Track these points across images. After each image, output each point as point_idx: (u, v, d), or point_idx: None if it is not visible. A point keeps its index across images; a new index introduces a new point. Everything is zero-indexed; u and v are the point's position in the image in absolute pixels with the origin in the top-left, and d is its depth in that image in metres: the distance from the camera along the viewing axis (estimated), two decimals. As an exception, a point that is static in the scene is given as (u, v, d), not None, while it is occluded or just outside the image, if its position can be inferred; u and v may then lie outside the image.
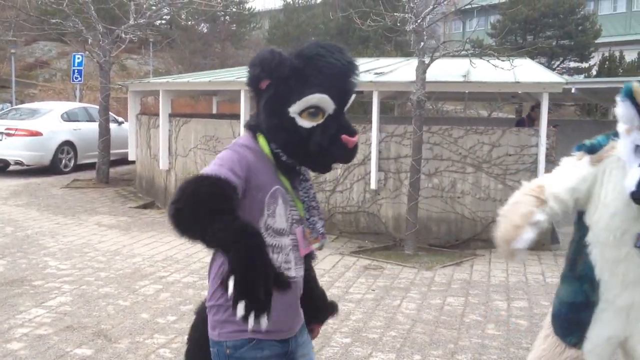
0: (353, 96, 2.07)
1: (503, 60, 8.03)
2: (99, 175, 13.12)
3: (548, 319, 2.77)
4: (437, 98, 18.77)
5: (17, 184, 12.71)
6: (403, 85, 8.93)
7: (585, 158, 2.58)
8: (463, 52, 8.52)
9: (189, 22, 27.03)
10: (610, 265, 2.54)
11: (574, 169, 2.58)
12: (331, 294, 6.14)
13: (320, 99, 1.93)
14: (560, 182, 2.56)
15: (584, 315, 2.62)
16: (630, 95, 2.31)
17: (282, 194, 2.02)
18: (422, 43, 7.84)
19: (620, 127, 2.47)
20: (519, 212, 2.45)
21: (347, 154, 2.02)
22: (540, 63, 23.65)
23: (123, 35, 12.86)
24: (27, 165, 14.13)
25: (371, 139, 8.67)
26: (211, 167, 1.89)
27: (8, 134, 13.87)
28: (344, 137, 1.97)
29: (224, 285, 1.83)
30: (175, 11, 17.10)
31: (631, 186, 2.33)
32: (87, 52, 14.23)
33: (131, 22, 12.82)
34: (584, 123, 21.87)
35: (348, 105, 2.05)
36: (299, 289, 2.13)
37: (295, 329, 2.13)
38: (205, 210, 1.71)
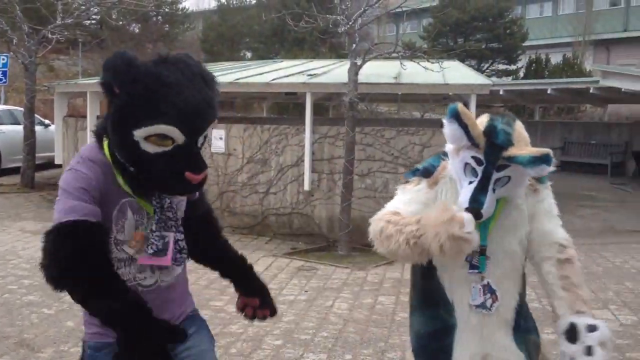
0: (209, 129, 1.94)
1: (433, 63, 8.18)
2: (23, 179, 12.69)
3: (408, 356, 2.70)
4: (371, 99, 18.99)
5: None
6: (336, 87, 8.99)
7: (422, 182, 2.51)
8: (394, 55, 8.62)
9: (120, 22, 26.44)
10: (457, 285, 2.47)
11: (414, 199, 2.48)
12: (264, 296, 6.12)
13: (168, 130, 1.80)
14: (407, 209, 2.43)
15: (447, 340, 2.50)
16: (456, 116, 2.28)
17: (131, 205, 1.94)
18: (354, 45, 7.91)
19: (449, 147, 2.46)
20: (436, 213, 2.27)
21: (188, 189, 1.93)
22: (471, 65, 24.22)
23: (50, 36, 12.48)
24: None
25: (305, 140, 8.69)
26: (61, 205, 1.82)
27: None
28: (188, 174, 1.85)
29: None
30: (104, 11, 16.72)
31: (464, 202, 2.31)
32: (11, 53, 13.75)
33: (58, 21, 12.46)
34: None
35: (202, 137, 1.92)
36: (169, 292, 2.09)
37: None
38: (80, 276, 1.74)
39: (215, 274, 6.57)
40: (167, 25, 31.19)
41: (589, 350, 2.25)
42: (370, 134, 8.61)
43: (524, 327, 2.55)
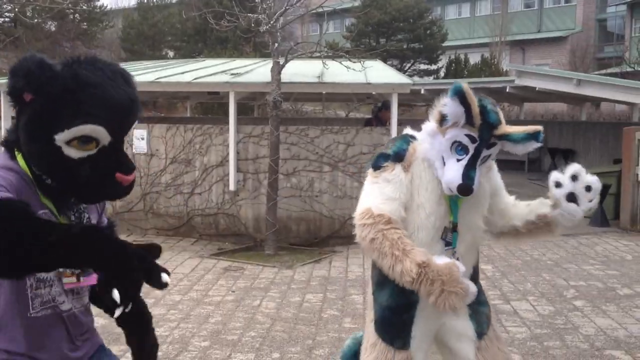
0: (135, 124, 1.88)
1: (355, 62, 8.29)
2: None
3: (371, 327, 2.74)
4: (296, 99, 19.03)
5: None
6: (259, 86, 8.97)
7: (397, 167, 2.57)
8: (317, 54, 8.69)
9: (35, 20, 25.50)
10: None
11: (391, 184, 2.55)
12: (190, 297, 6.07)
13: (94, 130, 1.70)
14: (387, 204, 2.53)
15: (408, 316, 2.66)
16: (461, 95, 2.42)
17: (49, 218, 1.78)
18: (276, 44, 7.92)
19: (426, 128, 2.61)
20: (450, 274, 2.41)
21: (119, 191, 1.81)
22: (393, 65, 24.66)
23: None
24: None
25: (229, 140, 8.63)
26: None
27: None
28: (119, 175, 1.75)
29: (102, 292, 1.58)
30: (18, 8, 16.08)
31: (455, 179, 2.45)
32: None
33: (-33, 18, 11.90)
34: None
35: (126, 135, 1.85)
36: (85, 318, 1.97)
37: (82, 358, 1.97)
38: (27, 238, 1.45)
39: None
40: (85, 23, 30.27)
41: (571, 197, 2.67)
42: (295, 133, 8.64)
43: (476, 300, 2.68)
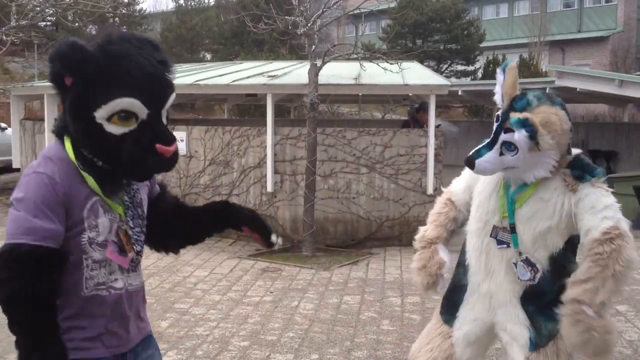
0: (171, 98, 1.88)
1: (392, 64, 8.27)
2: (-20, 184, 12.41)
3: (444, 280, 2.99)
4: (332, 101, 19.06)
5: None
6: (296, 88, 9.01)
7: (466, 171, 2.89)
8: (354, 56, 8.69)
9: (76, 24, 26.00)
10: (474, 253, 2.79)
11: (465, 174, 2.93)
12: (229, 297, 6.13)
13: (130, 103, 1.74)
14: (459, 185, 2.97)
15: (457, 297, 2.89)
16: (503, 69, 2.61)
17: (102, 205, 1.85)
18: (313, 46, 7.94)
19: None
20: (432, 261, 2.85)
21: (163, 165, 1.84)
22: (430, 66, 24.50)
23: (4, 38, 12.21)
24: None
25: (266, 141, 8.69)
26: (18, 221, 1.71)
27: None
28: (159, 146, 1.79)
29: None
30: (60, 12, 16.41)
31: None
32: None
33: (12, 23, 12.20)
34: (471, 124, 22.89)
35: (165, 108, 1.87)
36: (135, 299, 2.01)
37: (133, 341, 2.01)
38: (22, 312, 1.70)
39: (180, 277, 6.55)
40: (125, 27, 30.75)
41: None
42: (332, 135, 8.65)
43: (543, 312, 2.66)
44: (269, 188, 8.74)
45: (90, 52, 1.74)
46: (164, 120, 1.88)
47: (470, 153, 2.57)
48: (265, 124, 8.79)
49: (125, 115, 1.75)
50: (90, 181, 1.83)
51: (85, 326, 1.86)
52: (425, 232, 2.92)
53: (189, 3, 34.61)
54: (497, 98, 2.60)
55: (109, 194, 1.88)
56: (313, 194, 7.98)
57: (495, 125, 2.56)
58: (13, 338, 1.78)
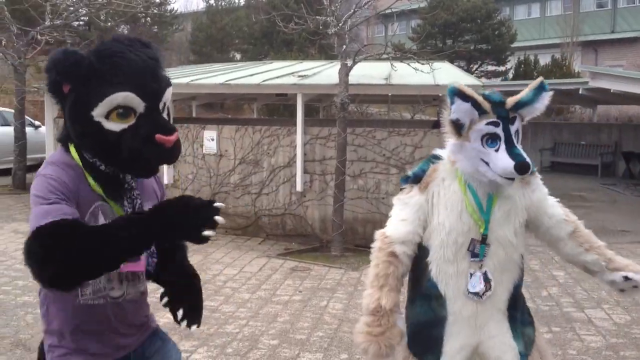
0: (168, 92, 1.90)
1: (423, 64, 8.23)
2: (15, 181, 12.64)
3: (404, 342, 2.65)
4: (361, 101, 19.03)
5: None
6: (326, 88, 9.02)
7: (414, 189, 2.63)
8: (385, 56, 8.66)
9: (109, 24, 26.33)
10: (452, 279, 2.57)
11: (408, 206, 2.62)
12: (258, 296, 6.15)
13: (125, 97, 1.77)
14: (401, 226, 2.61)
15: (437, 331, 2.61)
16: (460, 94, 2.40)
17: (104, 210, 1.88)
18: (344, 46, 7.94)
19: (451, 144, 2.55)
20: (392, 332, 2.49)
21: (164, 155, 1.84)
22: (460, 66, 24.30)
23: (38, 37, 12.42)
24: None
25: (296, 141, 8.71)
26: (35, 212, 1.72)
27: None
28: (159, 136, 1.79)
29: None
30: (93, 12, 16.65)
31: (508, 164, 2.39)
32: (0, 54, 13.68)
33: (47, 23, 12.40)
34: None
35: (163, 101, 1.88)
36: (134, 306, 2.04)
37: (133, 344, 2.04)
38: (86, 249, 1.61)
39: (209, 275, 6.59)
40: (156, 27, 31.06)
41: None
42: (362, 135, 8.64)
43: (520, 320, 2.66)
44: (299, 187, 8.76)
45: (82, 56, 1.79)
46: (165, 116, 1.89)
47: (515, 160, 2.39)
48: (295, 124, 8.82)
49: (123, 112, 1.78)
50: (94, 184, 1.86)
51: (73, 339, 1.90)
52: (379, 300, 2.50)
53: (220, 3, 34.81)
54: (471, 116, 2.45)
55: (111, 198, 1.90)
56: (342, 194, 7.97)
57: (499, 129, 2.44)
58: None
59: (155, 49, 1.91)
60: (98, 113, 1.77)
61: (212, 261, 7.54)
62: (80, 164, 1.86)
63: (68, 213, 1.70)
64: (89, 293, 1.89)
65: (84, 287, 1.86)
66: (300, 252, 8.23)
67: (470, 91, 2.41)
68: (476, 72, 29.75)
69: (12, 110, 13.52)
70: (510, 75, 28.51)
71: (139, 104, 1.79)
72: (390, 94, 13.28)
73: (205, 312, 5.70)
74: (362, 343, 2.47)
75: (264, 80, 9.44)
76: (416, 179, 2.63)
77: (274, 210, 9.01)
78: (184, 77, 10.44)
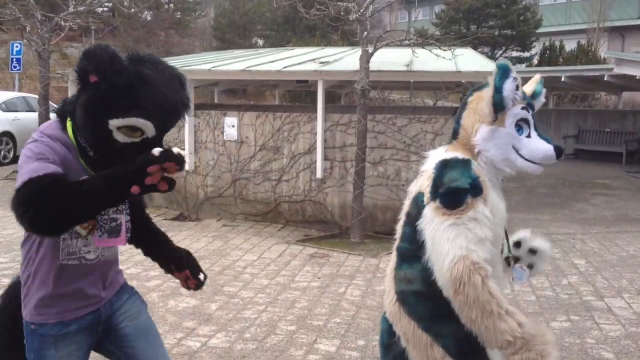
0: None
1: (445, 50, 8.16)
2: (39, 166, 12.80)
3: None
4: (383, 87, 18.94)
5: (-48, 177, 12.31)
6: (347, 75, 8.99)
7: (479, 203, 2.24)
8: (406, 42, 8.59)
9: (132, 10, 26.46)
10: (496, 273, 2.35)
11: (480, 224, 2.22)
12: (277, 282, 6.19)
13: (145, 124, 1.94)
14: (483, 247, 2.21)
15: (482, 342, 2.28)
16: (510, 69, 2.34)
17: None
18: (365, 32, 7.90)
19: (481, 134, 2.40)
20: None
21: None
22: (484, 53, 24.08)
23: (62, 23, 12.52)
24: (-37, 157, 13.69)
25: (316, 128, 8.71)
26: (25, 168, 1.87)
27: (-58, 125, 13.40)
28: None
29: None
30: (117, -2, 16.77)
31: (548, 148, 2.37)
32: (25, 41, 13.82)
33: (70, 9, 12.49)
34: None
35: (167, 132, 2.10)
36: (107, 265, 2.25)
37: (105, 298, 2.25)
38: (66, 197, 1.78)
39: (229, 261, 6.64)
40: (179, 13, 31.17)
41: (531, 266, 2.66)
42: (382, 122, 8.61)
43: None
44: (319, 174, 8.77)
45: (124, 67, 1.93)
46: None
47: (554, 146, 2.37)
48: (315, 110, 8.81)
49: (133, 129, 1.96)
50: (85, 165, 2.06)
51: (58, 292, 2.10)
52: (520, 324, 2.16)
53: (242, -11, 34.78)
54: (515, 98, 2.37)
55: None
56: (362, 181, 7.97)
57: (530, 114, 2.40)
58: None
59: (186, 86, 2.10)
60: (114, 124, 1.93)
61: (231, 247, 7.60)
62: (75, 143, 2.04)
63: (55, 171, 1.87)
64: (65, 255, 2.09)
65: (62, 250, 2.08)
66: (320, 239, 8.26)
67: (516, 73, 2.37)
68: (500, 58, 29.41)
69: (37, 96, 13.67)
70: (535, 61, 28.17)
71: (151, 131, 1.98)
72: (412, 81, 13.22)
73: (224, 298, 5.79)
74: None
75: (284, 67, 9.43)
76: (477, 191, 2.25)
77: (294, 196, 9.04)
78: (206, 63, 10.48)
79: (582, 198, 11.82)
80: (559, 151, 2.39)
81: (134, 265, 6.57)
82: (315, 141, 8.75)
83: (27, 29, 13.24)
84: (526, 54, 29.85)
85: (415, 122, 8.58)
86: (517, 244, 2.65)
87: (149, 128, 1.95)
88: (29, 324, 2.12)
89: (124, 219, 2.14)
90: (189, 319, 5.13)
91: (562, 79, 16.45)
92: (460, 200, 2.21)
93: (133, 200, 2.28)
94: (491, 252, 2.25)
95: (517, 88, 2.36)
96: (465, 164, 2.33)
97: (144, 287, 5.91)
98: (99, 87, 1.92)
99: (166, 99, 1.97)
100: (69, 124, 2.04)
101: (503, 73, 2.33)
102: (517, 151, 2.40)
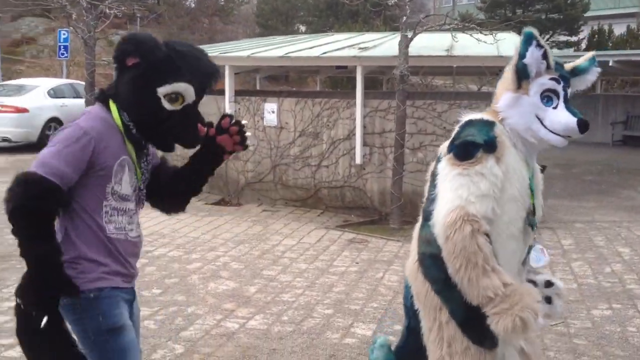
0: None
1: (486, 34, 8.05)
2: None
3: (451, 331, 2.42)
4: (425, 73, 18.75)
5: (4, 161, 12.68)
6: (386, 60, 8.94)
7: (489, 159, 2.30)
8: (447, 26, 8.50)
9: (176, -3, 26.76)
10: (510, 256, 2.42)
11: (485, 179, 2.27)
12: (315, 266, 6.25)
13: (187, 88, 2.19)
14: (484, 202, 2.26)
15: None
16: (535, 37, 2.33)
17: (129, 163, 2.24)
18: (404, 17, 7.84)
19: (504, 100, 2.46)
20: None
21: (196, 141, 2.30)
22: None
23: (107, 11, 12.73)
24: (14, 142, 14.09)
25: (356, 114, 8.70)
26: (46, 155, 2.06)
27: (-6, 111, 13.82)
28: (200, 126, 2.26)
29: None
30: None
31: (571, 120, 2.35)
32: (71, 28, 14.09)
33: (116, -3, 12.69)
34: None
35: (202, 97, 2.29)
36: (139, 248, 2.38)
37: (134, 279, 2.37)
38: (24, 222, 2.01)
39: (268, 245, 6.72)
40: (222, 0, 31.37)
41: (548, 300, 2.56)
42: (422, 108, 8.55)
43: None
44: (358, 160, 8.78)
45: (161, 45, 2.20)
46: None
47: (577, 117, 2.34)
48: (354, 96, 8.80)
49: (175, 97, 2.18)
50: (128, 142, 2.22)
51: (106, 262, 2.20)
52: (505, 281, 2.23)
53: (285, -25, 34.78)
54: (539, 67, 2.38)
55: (137, 157, 2.29)
56: (402, 167, 7.95)
57: (560, 86, 2.39)
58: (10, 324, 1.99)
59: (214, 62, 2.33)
60: (162, 91, 2.16)
61: (271, 232, 7.68)
62: (120, 122, 2.20)
63: (60, 176, 2.02)
64: (112, 229, 2.21)
65: (107, 224, 2.21)
66: (359, 225, 8.28)
67: (543, 41, 2.37)
68: (547, 42, 28.78)
69: (83, 83, 13.96)
70: (583, 45, 27.50)
71: (191, 97, 2.21)
72: (454, 66, 13.06)
73: (263, 281, 5.87)
74: (503, 327, 2.18)
75: (323, 53, 9.44)
76: (491, 148, 2.30)
77: (333, 182, 9.06)
78: (246, 50, 10.55)
79: (629, 185, 11.56)
80: (582, 124, 2.34)
81: (176, 248, 6.71)
82: (355, 127, 8.74)
83: (73, 16, 13.50)
84: (574, 39, 29.13)
85: (456, 108, 8.49)
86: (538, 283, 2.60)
87: (190, 93, 2.19)
88: (87, 295, 2.14)
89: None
90: (228, 301, 5.23)
91: (610, 64, 16.03)
92: (471, 153, 2.30)
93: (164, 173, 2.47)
94: (514, 210, 2.35)
95: (544, 57, 2.35)
96: (487, 124, 2.42)
97: (185, 269, 6.04)
98: (140, 65, 2.15)
99: (201, 64, 2.23)
100: (112, 104, 2.21)
101: (527, 40, 2.35)
102: (541, 121, 2.40)
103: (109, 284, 2.19)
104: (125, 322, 2.22)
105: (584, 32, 28.33)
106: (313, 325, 4.74)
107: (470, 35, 8.28)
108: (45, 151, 2.08)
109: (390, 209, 8.15)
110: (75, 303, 2.13)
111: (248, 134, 2.42)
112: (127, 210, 2.26)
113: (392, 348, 2.85)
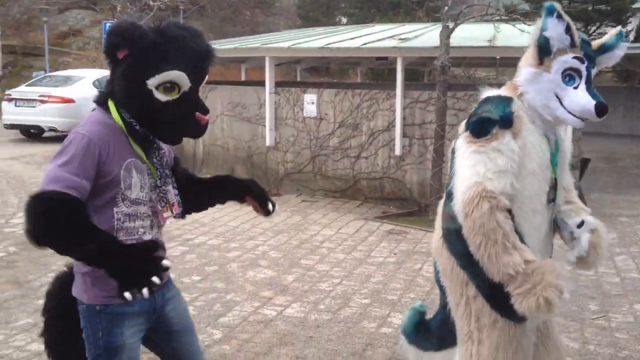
0: (205, 79, 2.18)
1: (529, 25, 7.92)
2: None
3: (479, 305, 2.45)
4: (468, 64, 18.55)
5: (51, 150, 12.98)
6: (427, 51, 8.88)
7: (506, 135, 2.30)
8: (490, 17, 8.38)
9: (218, -10, 26.96)
10: (534, 231, 2.42)
11: (502, 155, 2.27)
12: (353, 257, 6.27)
13: (178, 75, 2.04)
14: (502, 178, 2.27)
15: None
16: (556, 10, 2.27)
17: (136, 165, 2.14)
18: (446, 7, 7.78)
19: (525, 75, 2.41)
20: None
21: (198, 131, 2.17)
22: (577, 28, 23.08)
23: (151, 3, 12.94)
24: (61, 132, 14.42)
25: (395, 105, 8.67)
26: (52, 171, 1.97)
27: (42, 101, 14.17)
28: (198, 114, 2.11)
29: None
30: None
31: (589, 102, 2.30)
32: (116, 20, 14.38)
33: (159, -11, 12.89)
34: (619, 90, 21.46)
35: (202, 84, 2.16)
36: (160, 249, 2.25)
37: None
38: (61, 236, 1.90)
39: (307, 235, 6.79)
40: (264, -7, 31.53)
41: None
42: (463, 99, 8.47)
43: None
44: (397, 152, 8.75)
45: (147, 31, 2.05)
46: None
47: (597, 100, 2.29)
48: (394, 88, 8.77)
49: (170, 86, 2.05)
50: (133, 142, 2.14)
51: None
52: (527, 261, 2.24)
53: (327, -33, 34.73)
54: (562, 43, 2.33)
55: (147, 155, 2.19)
56: (441, 159, 7.89)
57: (584, 66, 2.34)
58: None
59: (207, 40, 2.17)
60: (152, 82, 2.03)
61: (310, 222, 7.73)
62: (120, 121, 2.11)
63: (74, 187, 1.95)
64: (123, 235, 2.13)
65: (118, 231, 2.13)
66: (398, 216, 8.26)
67: (567, 17, 2.31)
68: (594, 34, 28.17)
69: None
70: (631, 37, 26.82)
71: (186, 84, 2.07)
72: (498, 57, 12.89)
73: (300, 270, 5.93)
74: (528, 306, 2.19)
75: (363, 44, 9.42)
76: (507, 123, 2.31)
77: (373, 173, 9.06)
78: (286, 41, 10.60)
79: (676, 180, 11.27)
80: (600, 107, 2.29)
81: (216, 236, 6.81)
82: (394, 118, 8.72)
83: (118, 8, 13.75)
84: (622, 30, 28.44)
85: (498, 99, 8.39)
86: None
87: (184, 80, 2.06)
88: (93, 307, 2.14)
89: (172, 190, 2.26)
90: (266, 289, 5.29)
91: (659, 55, 15.60)
92: (487, 129, 2.30)
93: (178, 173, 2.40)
94: (536, 184, 2.35)
95: (567, 31, 2.30)
96: (504, 100, 2.41)
97: (224, 257, 6.13)
98: (129, 56, 2.03)
99: (192, 47, 2.07)
100: (110, 104, 2.13)
101: (548, 12, 2.30)
102: (560, 100, 2.36)
103: (113, 300, 2.11)
104: (125, 342, 2.16)
105: (633, 24, 27.58)
106: (350, 314, 4.77)
107: (514, 25, 8.16)
108: (52, 166, 2.00)
109: (429, 201, 8.11)
110: (85, 311, 2.16)
111: (270, 207, 2.42)
112: (140, 214, 2.17)
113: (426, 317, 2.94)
